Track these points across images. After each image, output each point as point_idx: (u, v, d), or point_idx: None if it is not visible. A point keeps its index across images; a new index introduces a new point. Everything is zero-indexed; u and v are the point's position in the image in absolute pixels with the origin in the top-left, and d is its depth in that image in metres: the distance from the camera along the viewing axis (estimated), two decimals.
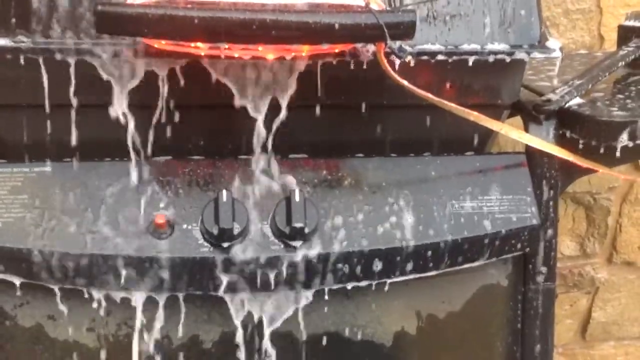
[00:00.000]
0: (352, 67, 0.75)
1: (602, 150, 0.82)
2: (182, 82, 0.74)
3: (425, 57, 0.75)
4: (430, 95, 0.75)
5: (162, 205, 0.75)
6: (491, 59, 0.77)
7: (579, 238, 1.55)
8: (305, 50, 0.71)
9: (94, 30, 0.66)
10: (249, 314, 0.77)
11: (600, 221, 1.53)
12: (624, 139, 0.81)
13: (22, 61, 0.70)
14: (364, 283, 0.78)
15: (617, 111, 0.83)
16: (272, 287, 0.75)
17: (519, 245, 0.83)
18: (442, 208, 0.80)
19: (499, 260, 0.84)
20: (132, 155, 0.75)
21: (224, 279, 0.74)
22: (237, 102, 0.75)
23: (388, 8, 0.75)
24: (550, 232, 0.85)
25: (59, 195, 0.75)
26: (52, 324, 0.78)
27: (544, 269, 0.86)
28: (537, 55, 0.78)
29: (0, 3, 0.70)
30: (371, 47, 0.73)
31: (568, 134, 0.84)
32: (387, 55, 0.72)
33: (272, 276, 0.75)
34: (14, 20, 0.70)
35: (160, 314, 0.76)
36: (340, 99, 0.77)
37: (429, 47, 0.75)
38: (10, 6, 0.70)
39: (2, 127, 0.78)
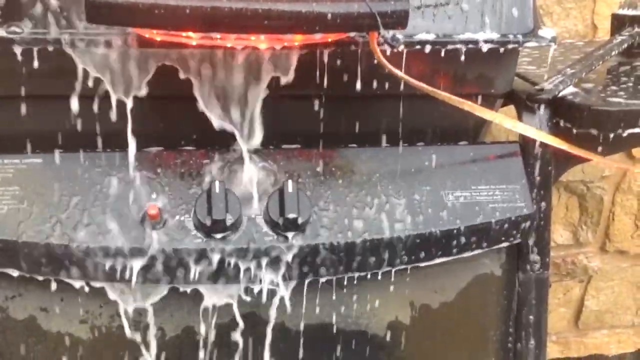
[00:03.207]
0: (345, 56, 0.74)
1: (595, 139, 0.82)
2: (174, 72, 0.73)
3: (418, 47, 0.75)
4: (423, 85, 0.74)
5: (154, 196, 0.75)
6: (484, 48, 0.76)
7: (572, 227, 1.55)
8: (298, 39, 0.71)
9: (85, 20, 0.65)
10: (243, 305, 0.77)
11: (593, 210, 1.54)
12: (617, 128, 0.81)
13: (13, 52, 0.70)
14: (357, 274, 0.78)
15: (611, 100, 0.83)
16: (266, 278, 0.75)
17: (512, 235, 0.83)
18: (435, 198, 0.80)
19: (492, 250, 0.84)
20: (129, 145, 0.74)
21: (217, 270, 0.74)
22: (230, 92, 0.74)
23: None
24: (543, 221, 0.85)
25: (50, 186, 0.74)
26: (45, 316, 0.77)
27: (537, 258, 0.87)
28: (530, 44, 0.78)
29: None
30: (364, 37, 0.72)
31: (562, 122, 0.84)
32: (380, 44, 0.72)
33: (265, 267, 0.74)
34: (3, 11, 0.70)
35: (153, 306, 0.76)
36: (333, 89, 0.77)
37: (422, 36, 0.75)
38: None
39: None
